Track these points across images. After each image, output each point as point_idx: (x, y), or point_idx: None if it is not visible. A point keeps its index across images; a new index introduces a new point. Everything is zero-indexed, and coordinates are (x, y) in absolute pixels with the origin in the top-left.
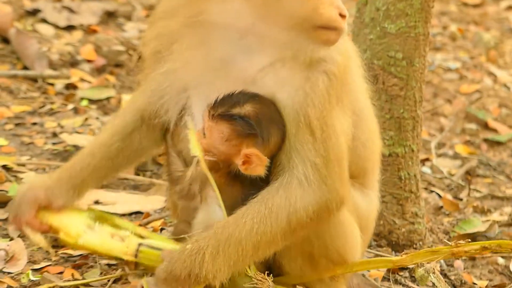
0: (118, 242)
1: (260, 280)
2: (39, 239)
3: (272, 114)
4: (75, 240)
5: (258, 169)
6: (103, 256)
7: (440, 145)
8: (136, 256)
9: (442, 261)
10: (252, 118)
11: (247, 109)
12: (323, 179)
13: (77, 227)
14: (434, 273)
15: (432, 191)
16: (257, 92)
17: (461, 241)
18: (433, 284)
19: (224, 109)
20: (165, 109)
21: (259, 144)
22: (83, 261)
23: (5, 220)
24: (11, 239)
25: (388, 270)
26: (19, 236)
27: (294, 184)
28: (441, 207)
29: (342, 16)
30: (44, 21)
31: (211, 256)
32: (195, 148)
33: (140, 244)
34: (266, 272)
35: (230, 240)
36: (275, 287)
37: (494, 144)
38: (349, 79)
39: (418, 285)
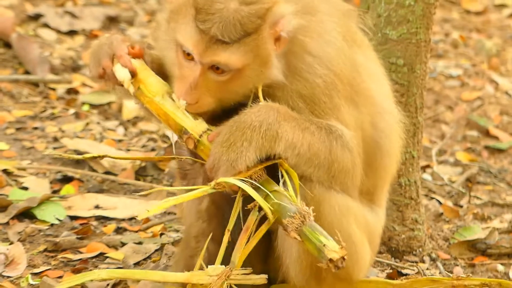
0: (190, 117)
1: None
2: (125, 74)
3: None
4: (153, 96)
5: None
6: (170, 123)
7: (441, 152)
8: (200, 136)
9: (441, 267)
10: None
11: None
12: None
13: (158, 88)
14: None
15: (432, 198)
16: None
17: (462, 275)
18: None
19: None
20: None
21: None
22: (82, 265)
23: (6, 224)
24: (11, 243)
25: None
26: (19, 240)
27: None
28: (441, 213)
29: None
30: (46, 26)
31: (283, 117)
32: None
33: (208, 129)
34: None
35: (296, 121)
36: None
37: (495, 151)
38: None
39: None
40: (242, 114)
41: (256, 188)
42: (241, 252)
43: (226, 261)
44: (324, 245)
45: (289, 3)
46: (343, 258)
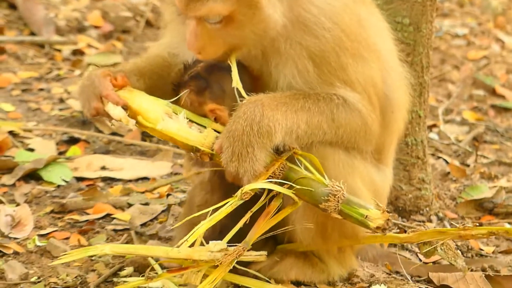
0: (196, 132)
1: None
2: (120, 112)
3: (222, 65)
4: (154, 124)
5: (224, 119)
6: (179, 144)
7: (448, 111)
8: (212, 148)
9: (448, 226)
10: (201, 74)
11: (197, 69)
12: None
13: (156, 113)
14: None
15: (439, 157)
16: None
17: (469, 223)
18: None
19: (184, 77)
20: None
21: (217, 95)
22: (89, 226)
23: (12, 185)
24: (18, 205)
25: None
26: (25, 201)
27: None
28: (448, 173)
29: None
30: None
31: (269, 108)
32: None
33: (217, 138)
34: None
35: (286, 105)
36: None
37: (502, 110)
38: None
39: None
40: (232, 122)
41: (285, 179)
42: (258, 233)
43: (226, 234)
44: (366, 216)
45: None
46: (388, 220)
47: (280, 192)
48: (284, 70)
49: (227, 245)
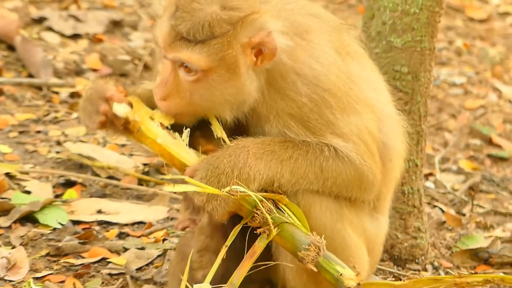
0: (194, 154)
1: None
2: (125, 108)
3: None
4: (155, 137)
5: None
6: (175, 163)
7: (444, 160)
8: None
9: (443, 275)
10: None
11: None
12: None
13: (157, 126)
14: None
15: (435, 206)
16: None
17: (465, 272)
18: None
19: None
20: None
21: (209, 137)
22: (84, 270)
23: (8, 228)
24: (13, 247)
25: None
26: (21, 244)
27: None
28: (444, 222)
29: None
30: (50, 29)
31: (254, 156)
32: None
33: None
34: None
35: (273, 154)
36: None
37: (498, 160)
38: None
39: None
40: (215, 157)
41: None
42: (243, 274)
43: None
44: (340, 274)
45: (279, 20)
46: (359, 284)
47: (264, 232)
48: (270, 127)
49: (212, 287)
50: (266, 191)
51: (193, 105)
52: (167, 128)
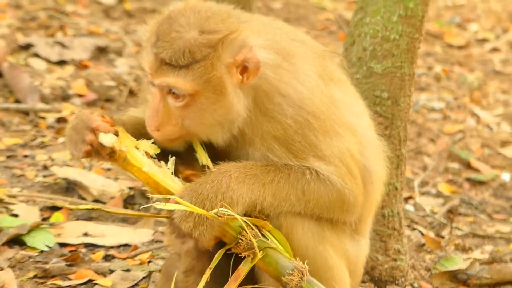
0: (179, 182)
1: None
2: (111, 138)
3: None
4: (141, 166)
5: None
6: (161, 190)
7: (423, 183)
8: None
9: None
10: None
11: None
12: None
13: (142, 156)
14: None
15: (414, 229)
16: None
17: None
18: None
19: None
20: None
21: (189, 163)
22: None
23: None
24: (1, 269)
25: None
26: (9, 266)
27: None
28: (423, 244)
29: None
30: (36, 55)
31: (236, 180)
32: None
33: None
34: None
35: (255, 178)
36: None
37: (476, 183)
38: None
39: None
40: (199, 184)
41: (251, 246)
42: None
43: None
44: None
45: (260, 37)
46: None
47: (249, 256)
48: (253, 150)
49: None
50: (249, 216)
51: (185, 130)
52: (152, 157)
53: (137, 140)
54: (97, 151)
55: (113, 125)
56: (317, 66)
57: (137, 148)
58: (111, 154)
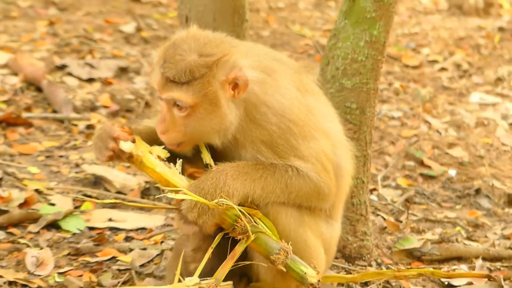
0: (186, 180)
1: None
2: (130, 145)
3: None
4: (154, 167)
5: None
6: (170, 186)
7: (385, 178)
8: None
9: (385, 269)
10: None
11: None
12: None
13: (155, 159)
14: None
15: (378, 215)
16: None
17: (402, 267)
18: None
19: None
20: None
21: (193, 162)
22: (98, 266)
23: (37, 233)
24: (41, 248)
25: None
26: (47, 246)
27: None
28: (385, 227)
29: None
30: (70, 74)
31: (231, 178)
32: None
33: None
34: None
35: (247, 175)
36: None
37: (428, 178)
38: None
39: None
40: (201, 181)
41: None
42: (225, 270)
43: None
44: (305, 273)
45: (248, 59)
46: (319, 280)
47: (243, 239)
48: (245, 153)
49: (200, 280)
50: (243, 206)
51: (188, 135)
52: (163, 160)
53: (151, 146)
54: (118, 156)
55: (131, 134)
56: (294, 80)
57: (151, 153)
58: (130, 158)
